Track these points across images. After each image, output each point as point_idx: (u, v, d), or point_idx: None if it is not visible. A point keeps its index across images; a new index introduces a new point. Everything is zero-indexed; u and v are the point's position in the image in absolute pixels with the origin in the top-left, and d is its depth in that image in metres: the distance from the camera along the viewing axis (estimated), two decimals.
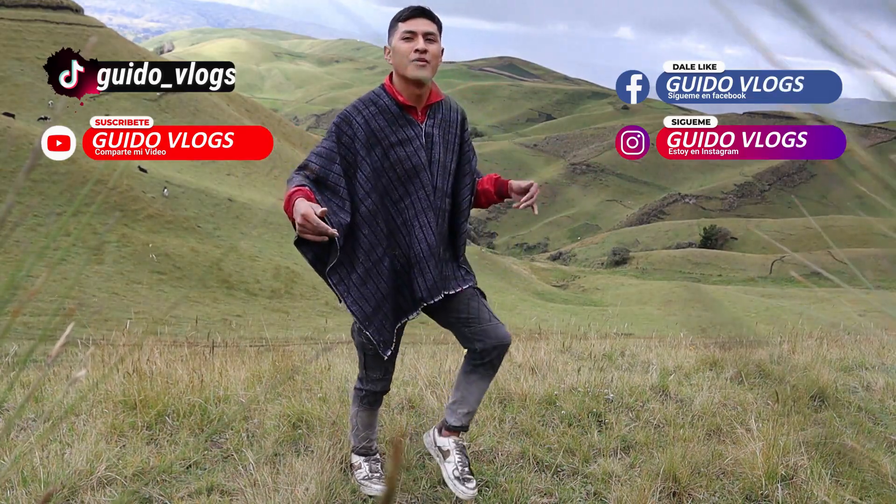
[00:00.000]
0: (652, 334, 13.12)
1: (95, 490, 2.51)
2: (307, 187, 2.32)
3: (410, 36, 2.41)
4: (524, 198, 2.54)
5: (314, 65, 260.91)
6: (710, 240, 77.66)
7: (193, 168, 50.13)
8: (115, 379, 3.44)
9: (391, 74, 2.51)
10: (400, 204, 2.45)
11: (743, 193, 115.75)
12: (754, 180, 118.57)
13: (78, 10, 68.92)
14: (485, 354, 2.53)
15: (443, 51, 2.49)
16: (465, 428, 2.65)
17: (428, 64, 2.40)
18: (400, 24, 2.45)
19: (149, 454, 2.83)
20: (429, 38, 2.41)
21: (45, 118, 47.27)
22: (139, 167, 41.10)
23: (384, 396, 2.74)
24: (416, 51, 2.39)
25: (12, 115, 43.12)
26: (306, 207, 2.15)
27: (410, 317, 2.51)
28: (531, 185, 2.56)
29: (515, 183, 2.60)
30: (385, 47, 2.51)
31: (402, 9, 2.50)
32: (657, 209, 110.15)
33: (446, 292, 2.53)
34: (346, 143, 2.41)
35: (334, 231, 2.19)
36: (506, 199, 2.69)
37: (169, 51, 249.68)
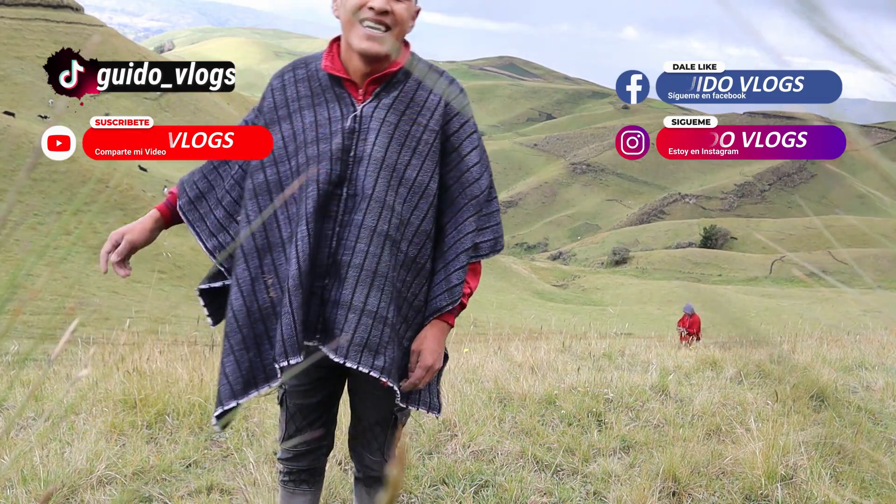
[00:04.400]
0: (652, 334, 13.14)
1: (95, 489, 2.51)
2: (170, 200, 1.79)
3: None
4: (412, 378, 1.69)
5: None
6: (710, 240, 77.71)
7: (193, 167, 50.14)
8: (115, 378, 3.45)
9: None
10: (291, 208, 1.65)
11: (743, 193, 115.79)
12: (754, 180, 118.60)
13: (78, 9, 68.98)
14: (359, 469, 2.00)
15: (417, 12, 1.67)
16: None
17: (387, 33, 1.57)
18: None
19: (149, 453, 2.83)
20: None
21: (46, 117, 47.30)
22: (139, 166, 41.14)
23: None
24: (371, 9, 1.55)
25: (12, 114, 43.14)
26: (116, 234, 1.71)
27: (262, 390, 1.66)
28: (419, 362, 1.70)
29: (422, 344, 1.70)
30: None
31: None
32: (657, 209, 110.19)
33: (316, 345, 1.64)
34: (265, 109, 1.73)
35: (105, 268, 1.69)
36: None
37: (169, 49, 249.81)
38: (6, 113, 42.64)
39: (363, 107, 1.63)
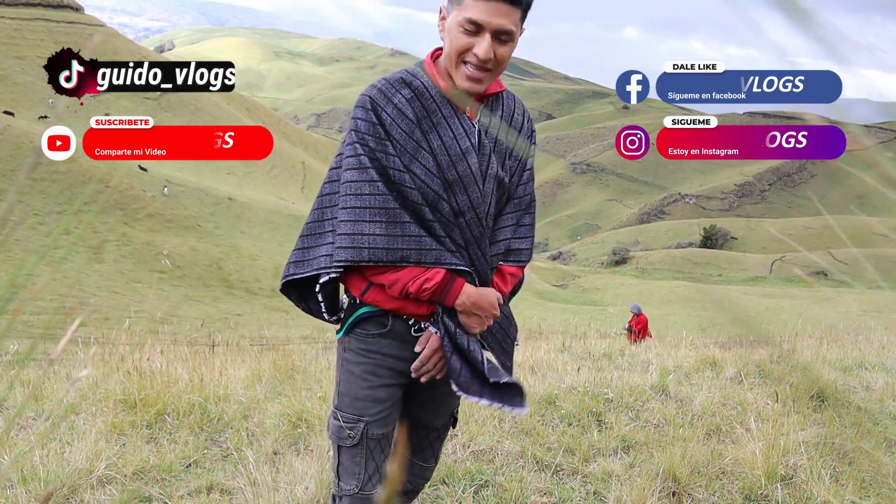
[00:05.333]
0: (651, 334, 13.15)
1: (95, 489, 2.51)
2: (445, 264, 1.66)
3: (474, 29, 1.58)
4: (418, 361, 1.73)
5: (315, 64, 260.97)
6: (710, 240, 77.73)
7: (193, 167, 50.17)
8: (115, 378, 3.45)
9: (437, 49, 1.72)
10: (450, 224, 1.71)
11: (743, 193, 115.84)
12: (754, 180, 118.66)
13: (78, 9, 69.05)
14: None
15: (521, 32, 1.70)
16: None
17: (487, 75, 1.63)
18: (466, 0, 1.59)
19: (149, 453, 2.83)
20: (502, 38, 1.60)
21: (46, 117, 47.30)
22: (139, 166, 41.15)
23: None
24: (476, 56, 1.59)
25: (12, 114, 43.14)
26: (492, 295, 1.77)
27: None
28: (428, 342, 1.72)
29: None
30: (441, 8, 1.69)
31: None
32: (657, 209, 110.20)
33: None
34: (396, 137, 1.64)
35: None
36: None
37: (169, 49, 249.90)
38: (6, 113, 42.64)
39: (478, 124, 1.71)
